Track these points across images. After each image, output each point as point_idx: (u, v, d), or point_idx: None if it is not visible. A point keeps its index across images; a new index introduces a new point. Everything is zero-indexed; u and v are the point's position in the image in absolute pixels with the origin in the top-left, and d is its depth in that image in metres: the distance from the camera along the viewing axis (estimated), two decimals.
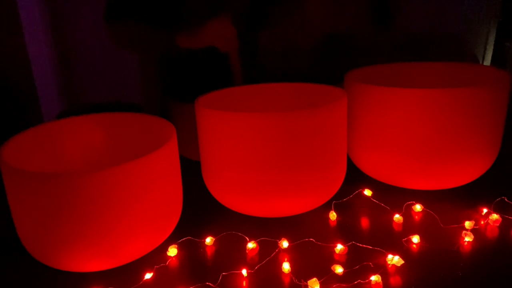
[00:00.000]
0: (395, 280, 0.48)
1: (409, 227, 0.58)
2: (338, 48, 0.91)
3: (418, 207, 0.61)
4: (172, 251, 0.54)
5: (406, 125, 0.61)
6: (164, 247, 0.55)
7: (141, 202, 0.48)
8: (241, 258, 0.54)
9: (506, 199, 0.62)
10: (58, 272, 0.51)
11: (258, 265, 0.52)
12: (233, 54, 0.85)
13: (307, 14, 0.88)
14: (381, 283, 0.48)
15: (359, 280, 0.48)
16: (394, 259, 0.50)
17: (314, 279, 0.48)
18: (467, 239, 0.54)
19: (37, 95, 0.83)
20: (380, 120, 0.64)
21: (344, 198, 0.65)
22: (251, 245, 0.55)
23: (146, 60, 0.87)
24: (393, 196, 0.65)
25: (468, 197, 0.64)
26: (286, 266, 0.50)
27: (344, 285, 0.48)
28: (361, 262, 0.51)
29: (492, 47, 1.02)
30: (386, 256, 0.51)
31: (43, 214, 0.46)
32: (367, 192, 0.65)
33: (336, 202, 0.64)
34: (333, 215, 0.61)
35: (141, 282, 0.49)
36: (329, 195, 0.62)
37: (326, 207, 0.63)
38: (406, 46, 0.96)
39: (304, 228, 0.59)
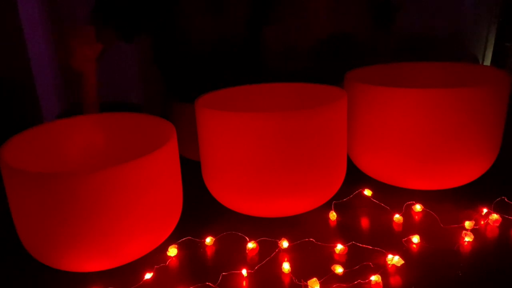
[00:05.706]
0: (395, 280, 0.48)
1: (409, 227, 0.58)
2: (338, 48, 0.91)
3: (418, 207, 0.61)
4: (172, 251, 0.54)
5: (406, 125, 0.61)
6: (164, 247, 0.55)
7: (141, 202, 0.48)
8: (241, 258, 0.54)
9: (506, 199, 0.62)
10: (58, 272, 0.51)
11: (258, 265, 0.51)
12: (234, 54, 0.85)
13: (307, 14, 0.88)
14: (381, 283, 0.48)
15: (359, 280, 0.48)
16: (394, 259, 0.50)
17: (314, 279, 0.48)
18: (467, 239, 0.54)
19: (37, 95, 0.83)
20: (380, 120, 0.63)
21: (344, 198, 0.65)
22: (251, 245, 0.55)
23: (147, 60, 0.87)
24: (393, 196, 0.65)
25: (468, 197, 0.64)
26: (286, 266, 0.50)
27: (344, 285, 0.47)
28: (361, 262, 0.51)
29: (492, 47, 1.02)
30: (386, 256, 0.51)
31: (43, 214, 0.46)
32: (367, 192, 0.65)
33: (336, 202, 0.64)
34: (333, 215, 0.61)
35: (141, 282, 0.49)
36: (329, 195, 0.62)
37: (326, 207, 0.63)
38: (406, 46, 0.96)
39: (304, 228, 0.59)
